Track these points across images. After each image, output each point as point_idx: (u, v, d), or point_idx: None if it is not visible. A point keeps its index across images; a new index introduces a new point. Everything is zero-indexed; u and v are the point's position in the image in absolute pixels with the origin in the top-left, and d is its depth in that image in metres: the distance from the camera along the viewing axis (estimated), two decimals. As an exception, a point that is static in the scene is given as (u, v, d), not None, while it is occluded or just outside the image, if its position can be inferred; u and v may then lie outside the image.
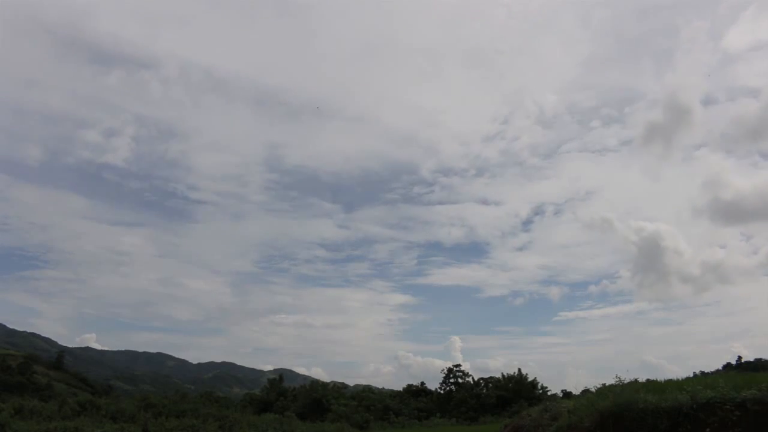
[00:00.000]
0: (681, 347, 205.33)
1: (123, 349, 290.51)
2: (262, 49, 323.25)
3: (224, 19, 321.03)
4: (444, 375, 63.22)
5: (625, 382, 17.13)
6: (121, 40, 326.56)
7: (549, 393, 58.09)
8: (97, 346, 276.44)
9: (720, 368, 71.13)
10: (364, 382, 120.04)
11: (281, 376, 79.34)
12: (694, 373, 39.76)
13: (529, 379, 59.66)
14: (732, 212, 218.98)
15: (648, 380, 18.25)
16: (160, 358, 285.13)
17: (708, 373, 41.48)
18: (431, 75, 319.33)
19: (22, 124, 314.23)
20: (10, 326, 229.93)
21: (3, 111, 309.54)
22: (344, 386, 69.13)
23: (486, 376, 63.53)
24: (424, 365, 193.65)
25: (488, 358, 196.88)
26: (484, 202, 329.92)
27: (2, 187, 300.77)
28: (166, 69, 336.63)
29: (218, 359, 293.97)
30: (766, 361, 75.70)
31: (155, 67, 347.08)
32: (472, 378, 62.84)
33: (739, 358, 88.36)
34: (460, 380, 62.56)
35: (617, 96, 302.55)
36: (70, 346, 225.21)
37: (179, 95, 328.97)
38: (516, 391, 57.15)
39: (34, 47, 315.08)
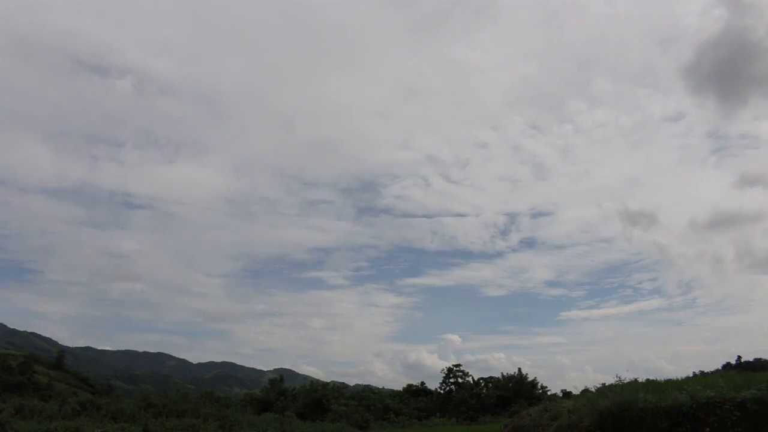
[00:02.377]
0: (681, 347, 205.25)
1: (123, 349, 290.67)
2: (272, 74, 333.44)
3: (231, 46, 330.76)
4: (444, 375, 63.34)
5: (625, 381, 17.15)
6: (130, 60, 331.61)
7: (549, 393, 58.16)
8: (97, 346, 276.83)
9: (719, 368, 71.06)
10: (363, 382, 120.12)
11: (281, 376, 79.27)
12: (693, 372, 39.71)
13: (529, 379, 59.76)
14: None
15: (648, 380, 18.27)
16: (160, 358, 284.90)
17: (708, 373, 41.43)
18: (419, 91, 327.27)
19: (27, 136, 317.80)
20: (11, 326, 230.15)
21: (8, 123, 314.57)
22: (344, 386, 69.11)
23: (486, 375, 63.70)
24: (424, 365, 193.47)
25: (488, 358, 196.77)
26: (480, 204, 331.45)
27: (6, 197, 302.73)
28: (172, 85, 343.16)
29: (218, 359, 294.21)
30: (765, 361, 75.61)
31: (161, 84, 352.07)
32: (472, 378, 62.97)
33: (739, 357, 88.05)
34: (460, 380, 62.61)
35: (610, 98, 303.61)
36: (70, 346, 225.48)
37: (185, 110, 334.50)
38: (516, 391, 57.19)
39: (37, 65, 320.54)
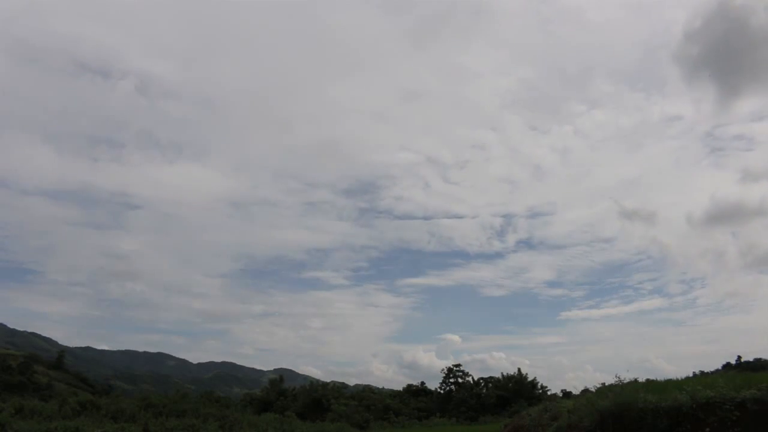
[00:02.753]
0: (681, 347, 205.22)
1: (123, 349, 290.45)
2: (272, 76, 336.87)
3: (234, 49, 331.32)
4: (444, 375, 63.37)
5: (625, 381, 17.14)
6: (132, 62, 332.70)
7: (549, 393, 58.17)
8: (97, 346, 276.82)
9: (720, 368, 70.98)
10: (363, 382, 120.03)
11: (281, 376, 79.30)
12: (693, 372, 39.60)
13: (529, 379, 59.76)
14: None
15: (648, 380, 18.26)
16: (160, 358, 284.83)
17: (708, 372, 41.39)
18: (418, 94, 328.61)
19: (29, 138, 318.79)
20: (11, 326, 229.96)
21: (10, 125, 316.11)
22: (344, 386, 69.17)
23: (486, 375, 63.71)
24: (423, 365, 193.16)
25: (488, 358, 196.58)
26: (481, 204, 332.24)
27: (7, 198, 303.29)
28: (174, 87, 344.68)
29: (218, 359, 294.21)
30: (765, 361, 75.49)
31: (163, 86, 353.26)
32: (472, 378, 62.99)
33: (739, 357, 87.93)
34: (460, 380, 62.62)
35: (609, 100, 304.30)
36: (70, 346, 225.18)
37: (186, 111, 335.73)
38: (516, 391, 57.19)
39: (40, 68, 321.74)
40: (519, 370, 60.64)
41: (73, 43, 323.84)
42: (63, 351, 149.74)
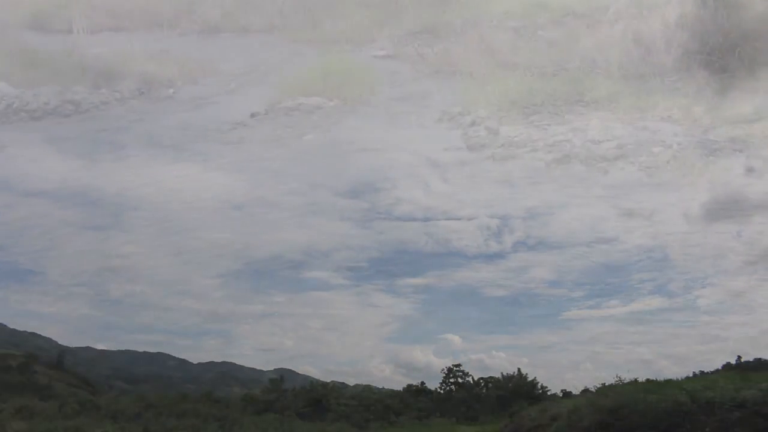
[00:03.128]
0: (681, 347, 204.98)
1: (123, 349, 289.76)
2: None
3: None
4: (444, 374, 63.15)
5: (625, 382, 17.21)
6: (134, 63, 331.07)
7: (549, 393, 58.04)
8: (97, 346, 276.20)
9: (720, 368, 70.89)
10: (363, 382, 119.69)
11: (281, 376, 79.17)
12: (693, 373, 39.63)
13: (529, 379, 59.64)
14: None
15: (648, 380, 18.31)
16: (160, 358, 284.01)
17: (708, 373, 41.40)
18: (417, 94, 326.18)
19: (30, 138, 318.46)
20: (11, 326, 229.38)
21: (10, 126, 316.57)
22: (344, 386, 69.12)
23: (486, 375, 63.57)
24: (423, 365, 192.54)
25: (488, 358, 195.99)
26: (481, 205, 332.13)
27: (7, 199, 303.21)
28: (175, 87, 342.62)
29: (218, 359, 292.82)
30: (765, 361, 75.40)
31: (164, 86, 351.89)
32: (472, 378, 62.72)
33: (739, 358, 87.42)
34: (460, 380, 62.44)
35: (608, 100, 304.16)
36: (70, 346, 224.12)
37: (187, 111, 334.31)
38: (516, 391, 57.06)
39: (41, 70, 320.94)
40: (519, 370, 60.52)
41: (74, 44, 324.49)
42: (63, 351, 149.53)
